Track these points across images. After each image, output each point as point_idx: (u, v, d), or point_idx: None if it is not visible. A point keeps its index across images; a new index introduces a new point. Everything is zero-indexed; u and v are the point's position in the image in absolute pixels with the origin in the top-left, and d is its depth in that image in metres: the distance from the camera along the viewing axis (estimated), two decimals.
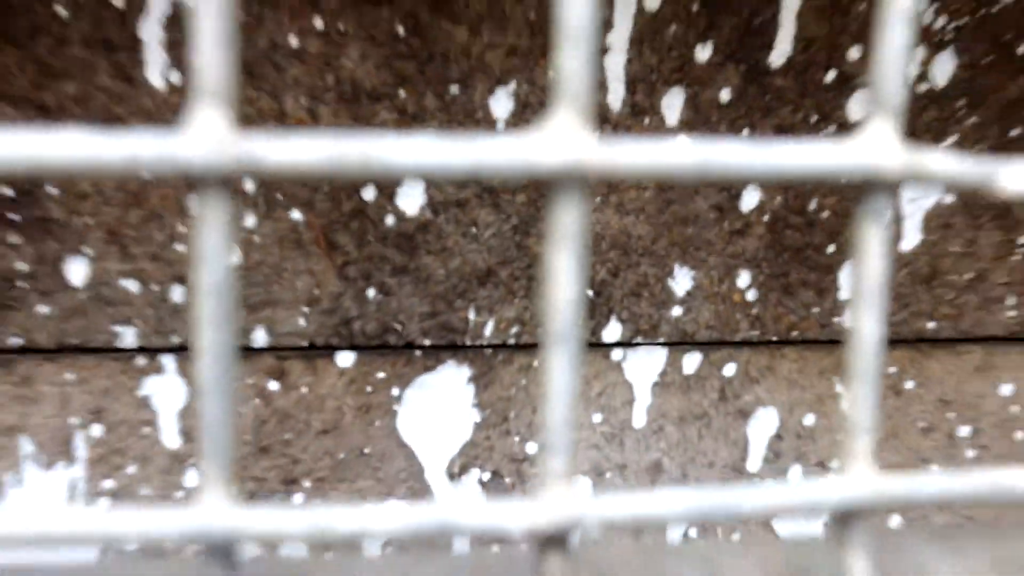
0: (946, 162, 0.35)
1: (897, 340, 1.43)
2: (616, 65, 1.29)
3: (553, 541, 0.34)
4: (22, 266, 1.20)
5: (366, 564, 0.38)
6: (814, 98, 1.34)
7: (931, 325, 1.44)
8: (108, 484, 1.25)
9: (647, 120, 1.30)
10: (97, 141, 0.30)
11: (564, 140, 0.32)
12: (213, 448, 0.32)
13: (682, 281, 1.36)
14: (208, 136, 0.30)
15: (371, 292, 1.28)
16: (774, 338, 1.40)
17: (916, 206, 1.40)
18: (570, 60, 0.32)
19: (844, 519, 0.36)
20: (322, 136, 0.30)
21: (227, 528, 0.32)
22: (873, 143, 0.34)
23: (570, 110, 0.32)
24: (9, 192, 1.18)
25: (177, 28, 1.19)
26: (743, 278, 1.37)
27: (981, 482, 0.37)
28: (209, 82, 0.30)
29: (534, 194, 1.29)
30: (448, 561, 0.38)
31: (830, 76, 1.34)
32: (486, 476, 1.35)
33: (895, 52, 0.34)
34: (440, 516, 0.33)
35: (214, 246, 0.31)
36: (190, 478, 1.28)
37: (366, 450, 1.31)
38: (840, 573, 0.37)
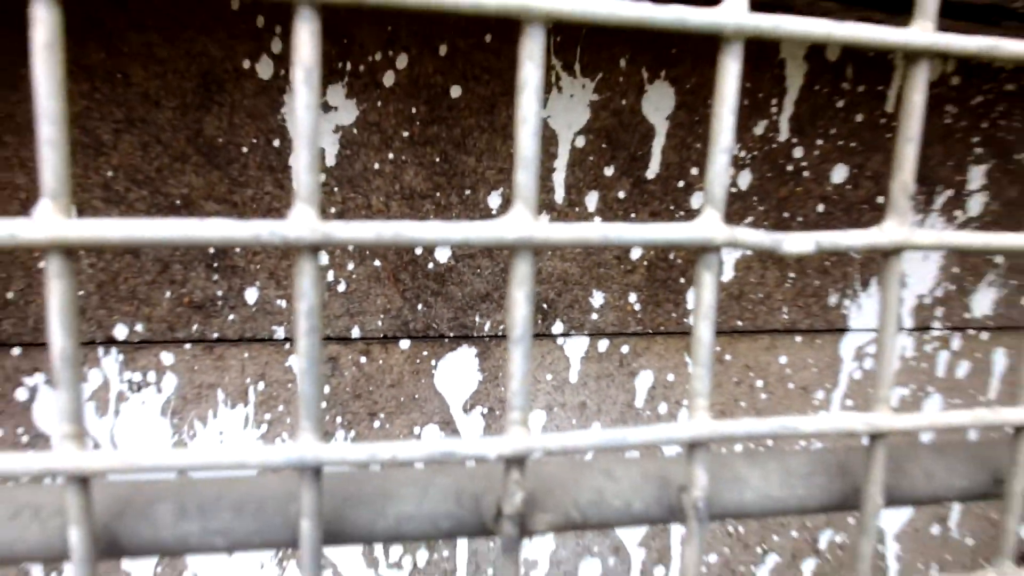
0: (752, 234, 0.33)
1: (721, 332, 1.42)
2: (559, 178, 1.27)
3: (514, 462, 0.32)
4: (219, 292, 1.18)
5: (407, 473, 0.35)
6: (672, 196, 1.32)
7: (739, 323, 1.42)
8: (267, 416, 1.23)
9: (577, 209, 1.28)
10: (236, 225, 0.28)
11: (518, 223, 0.30)
12: (307, 409, 0.30)
13: (597, 299, 1.34)
14: (301, 222, 0.28)
15: (419, 306, 1.26)
16: (650, 331, 1.38)
17: (729, 256, 1.38)
18: (523, 175, 0.30)
19: (692, 447, 0.34)
20: (371, 221, 0.28)
21: (315, 457, 0.29)
22: (707, 224, 0.32)
23: (523, 205, 0.30)
24: (211, 251, 1.16)
25: None
26: (632, 297, 1.35)
27: (774, 424, 0.34)
28: (303, 189, 0.28)
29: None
30: (456, 471, 0.36)
31: (681, 184, 1.32)
32: (485, 411, 1.33)
33: (720, 169, 0.32)
34: (446, 448, 0.30)
35: (306, 289, 0.29)
36: None
37: (416, 396, 1.29)
38: (688, 477, 0.34)
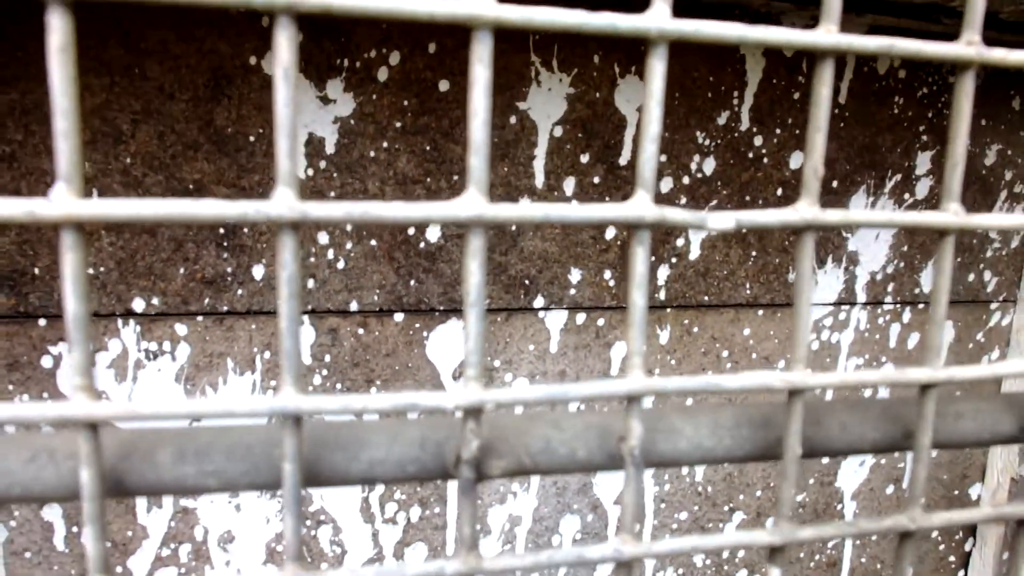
0: (679, 213, 0.35)
1: (688, 306, 1.44)
2: (539, 164, 1.29)
3: (470, 412, 0.34)
4: (229, 269, 1.19)
5: (379, 423, 0.37)
6: None
7: (706, 298, 1.44)
8: (272, 383, 1.25)
9: (556, 193, 1.30)
10: (226, 205, 0.30)
11: (471, 203, 0.31)
12: (288, 363, 0.32)
13: (575, 276, 1.36)
14: (282, 202, 0.30)
15: (412, 282, 1.28)
16: (624, 305, 1.40)
17: (696, 237, 1.40)
18: (474, 160, 0.32)
19: (628, 400, 0.36)
20: (343, 202, 0.30)
21: (295, 407, 0.32)
22: (638, 204, 0.34)
23: (475, 188, 0.32)
24: (222, 231, 1.18)
25: (310, 145, 1.19)
26: (607, 274, 1.37)
27: (700, 381, 0.36)
28: (283, 174, 0.30)
29: (498, 231, 1.29)
30: (423, 422, 0.38)
31: None
32: None
33: (648, 155, 0.34)
34: (410, 400, 0.32)
35: (287, 260, 0.31)
36: (316, 380, 1.27)
37: (409, 365, 1.31)
38: (626, 428, 0.36)
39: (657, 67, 0.33)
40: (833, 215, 0.37)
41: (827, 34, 0.35)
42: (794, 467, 0.40)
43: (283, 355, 0.32)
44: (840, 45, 0.35)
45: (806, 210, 0.36)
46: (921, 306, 1.59)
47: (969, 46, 0.38)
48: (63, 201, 0.29)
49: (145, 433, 0.34)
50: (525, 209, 0.32)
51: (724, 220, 0.35)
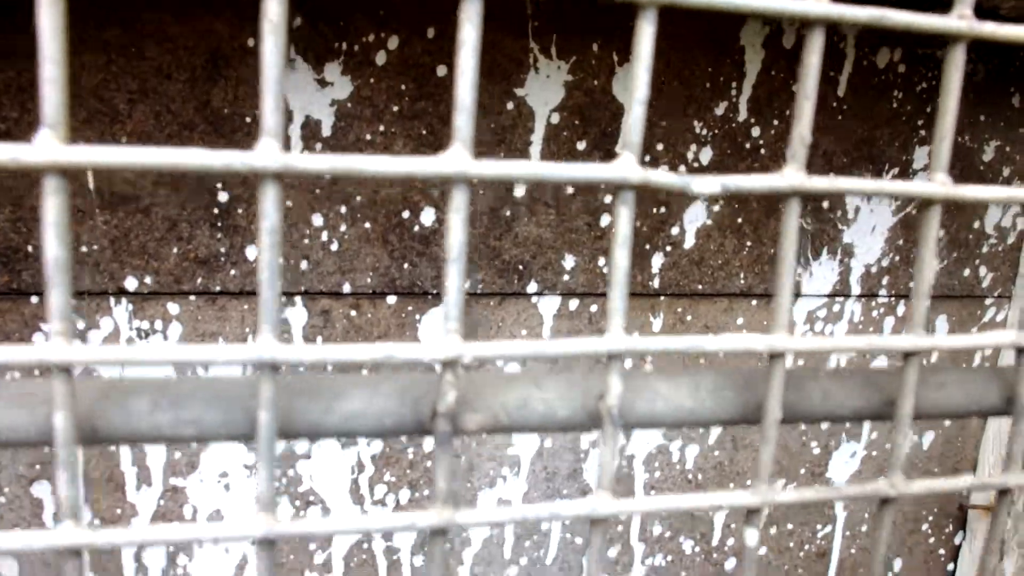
0: (664, 175, 0.35)
1: (682, 294, 1.44)
2: (536, 151, 1.29)
3: (447, 364, 0.34)
4: (223, 249, 1.19)
5: (358, 377, 0.38)
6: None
7: (700, 287, 1.44)
8: None
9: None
10: (213, 155, 0.30)
11: (455, 159, 0.32)
12: (266, 312, 0.32)
13: (569, 262, 1.36)
14: (266, 153, 0.30)
15: (406, 266, 1.28)
16: None
17: (691, 225, 1.40)
18: (460, 119, 0.32)
19: (610, 358, 0.36)
20: (326, 155, 0.30)
21: (271, 356, 0.32)
22: (624, 165, 0.34)
23: (460, 144, 0.32)
24: (216, 211, 1.18)
25: (306, 127, 1.19)
26: (601, 260, 1.37)
27: (683, 341, 0.37)
28: (267, 126, 0.30)
29: (492, 216, 1.29)
30: (402, 377, 0.38)
31: (647, 158, 1.34)
32: (465, 362, 1.35)
33: (636, 118, 0.34)
34: (387, 352, 0.33)
35: (269, 210, 0.31)
36: None
37: None
38: (605, 385, 0.36)
39: (646, 30, 0.33)
40: (819, 182, 0.37)
41: (817, 4, 0.35)
42: (773, 431, 0.40)
43: (261, 304, 0.32)
44: (831, 14, 0.35)
45: (792, 176, 0.36)
46: None
47: (961, 19, 0.38)
48: (48, 147, 0.29)
49: (120, 382, 0.34)
50: (509, 166, 0.33)
51: (709, 184, 0.36)
